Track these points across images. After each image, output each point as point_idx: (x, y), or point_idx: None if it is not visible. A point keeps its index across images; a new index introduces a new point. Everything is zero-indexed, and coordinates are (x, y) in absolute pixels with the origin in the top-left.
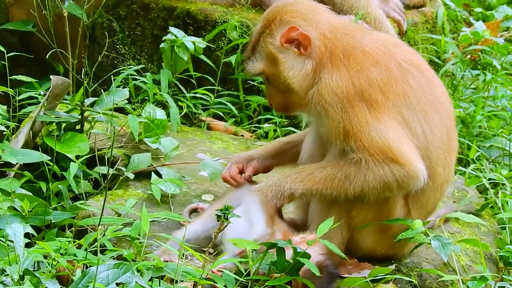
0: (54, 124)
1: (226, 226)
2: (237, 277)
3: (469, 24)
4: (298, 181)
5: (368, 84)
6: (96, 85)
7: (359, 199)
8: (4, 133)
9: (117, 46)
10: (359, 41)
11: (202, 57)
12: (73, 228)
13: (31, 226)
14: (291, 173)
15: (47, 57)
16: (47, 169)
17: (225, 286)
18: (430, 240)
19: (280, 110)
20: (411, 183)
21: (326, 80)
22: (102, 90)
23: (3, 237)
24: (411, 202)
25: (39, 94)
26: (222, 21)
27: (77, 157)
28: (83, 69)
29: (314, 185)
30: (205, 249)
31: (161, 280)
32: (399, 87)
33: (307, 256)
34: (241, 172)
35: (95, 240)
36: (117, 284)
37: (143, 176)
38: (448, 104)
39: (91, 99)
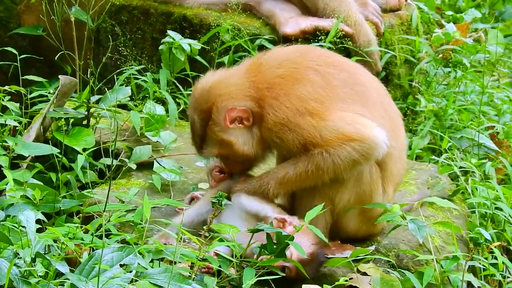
0: (62, 119)
1: (220, 212)
2: (231, 259)
3: (441, 26)
4: (278, 185)
5: (300, 100)
6: (100, 84)
7: (338, 183)
8: (17, 128)
9: (120, 49)
10: (274, 70)
11: (198, 57)
12: (81, 215)
13: (42, 213)
14: (269, 179)
15: (55, 58)
16: (56, 161)
17: (219, 266)
18: (407, 223)
19: (243, 172)
20: (375, 152)
21: (267, 118)
22: (106, 89)
23: (17, 223)
24: (385, 181)
25: (49, 93)
26: (215, 24)
27: (84, 149)
28: (88, 70)
29: (292, 183)
30: (201, 233)
31: (161, 262)
32: (327, 91)
33: (291, 238)
34: (221, 171)
35: (101, 226)
36: (121, 265)
37: (144, 166)
38: (375, 83)
39: (96, 97)
